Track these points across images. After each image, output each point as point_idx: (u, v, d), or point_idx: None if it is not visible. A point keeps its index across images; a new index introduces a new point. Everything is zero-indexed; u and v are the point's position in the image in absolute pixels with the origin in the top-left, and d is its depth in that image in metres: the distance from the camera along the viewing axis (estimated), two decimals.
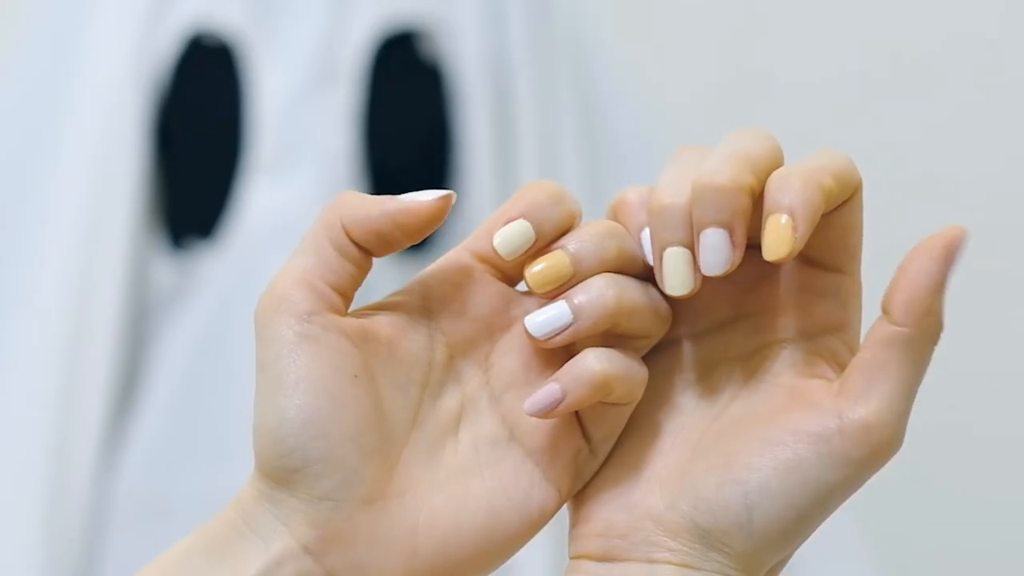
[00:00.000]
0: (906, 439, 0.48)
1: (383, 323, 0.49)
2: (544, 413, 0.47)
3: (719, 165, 0.46)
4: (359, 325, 0.48)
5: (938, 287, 0.46)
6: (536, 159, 1.13)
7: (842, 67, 1.53)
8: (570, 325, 0.48)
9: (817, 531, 1.20)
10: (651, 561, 0.47)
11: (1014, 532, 1.52)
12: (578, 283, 0.48)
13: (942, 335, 0.47)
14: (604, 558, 0.48)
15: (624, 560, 0.48)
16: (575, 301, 0.48)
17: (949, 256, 0.46)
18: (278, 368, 0.47)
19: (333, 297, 0.48)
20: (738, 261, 0.46)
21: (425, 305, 0.50)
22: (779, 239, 0.46)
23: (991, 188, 1.51)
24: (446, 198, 0.47)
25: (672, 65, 1.48)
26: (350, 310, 0.49)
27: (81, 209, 1.10)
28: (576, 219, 0.49)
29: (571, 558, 0.49)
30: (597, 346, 0.48)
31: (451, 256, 0.51)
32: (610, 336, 0.49)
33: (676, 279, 0.47)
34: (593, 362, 0.47)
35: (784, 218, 0.45)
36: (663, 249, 0.47)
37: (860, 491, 0.50)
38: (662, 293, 0.49)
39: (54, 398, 1.08)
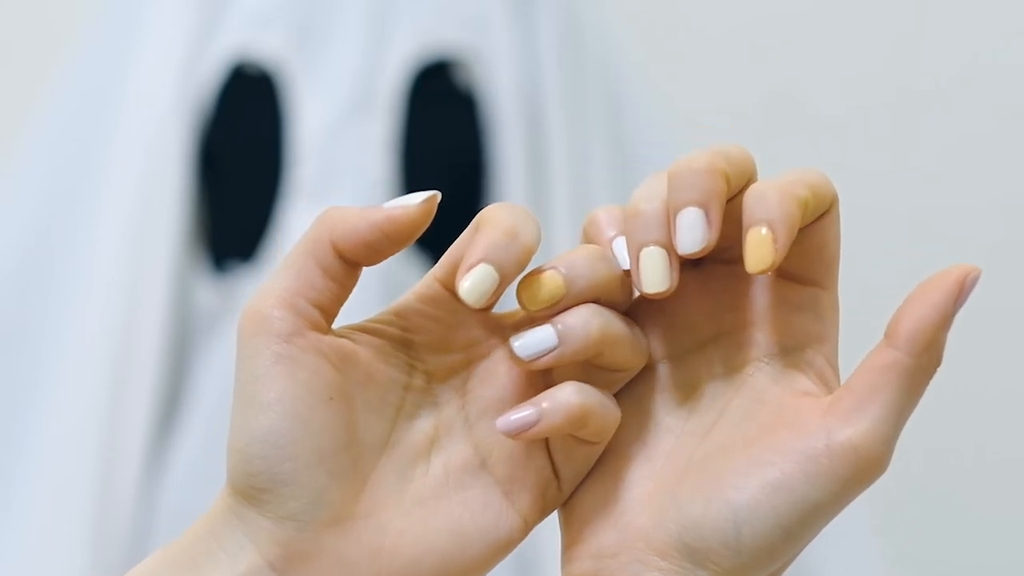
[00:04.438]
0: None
1: (363, 344, 0.49)
2: (515, 434, 0.47)
3: (695, 154, 0.46)
4: (339, 345, 0.48)
5: (945, 322, 0.45)
6: (568, 184, 1.15)
7: (858, 95, 1.53)
8: (554, 349, 0.47)
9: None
10: None
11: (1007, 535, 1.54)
12: (568, 305, 0.48)
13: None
14: None
15: None
16: (561, 326, 0.47)
17: (961, 293, 0.45)
18: (253, 389, 0.46)
19: (315, 315, 0.47)
20: (714, 241, 0.46)
21: (406, 327, 0.50)
22: (760, 252, 0.45)
23: (1003, 212, 1.52)
24: (430, 200, 0.47)
25: (697, 92, 1.48)
26: (337, 327, 0.49)
27: (127, 231, 1.11)
28: (534, 248, 0.48)
29: None
30: (576, 376, 0.48)
31: (429, 281, 0.50)
32: (589, 367, 0.49)
33: (654, 277, 0.47)
34: (572, 393, 0.47)
35: (764, 230, 0.45)
36: (639, 249, 0.47)
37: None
38: (639, 318, 0.49)
39: (100, 415, 1.10)
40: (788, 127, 1.51)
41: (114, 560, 1.09)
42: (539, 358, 0.47)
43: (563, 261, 0.48)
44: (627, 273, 0.48)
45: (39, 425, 1.12)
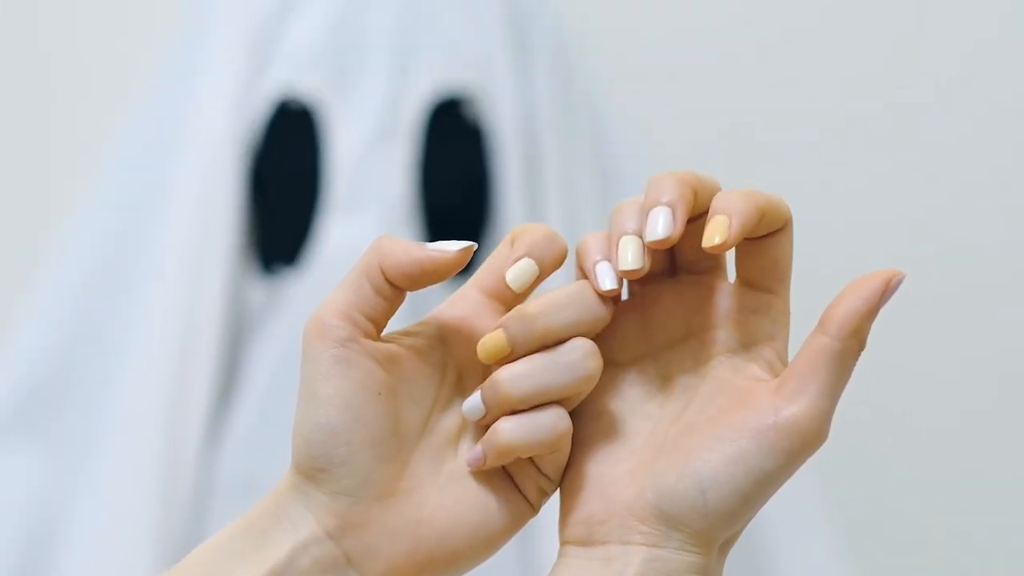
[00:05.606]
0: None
1: (406, 348, 0.51)
2: (475, 469, 0.51)
3: (669, 171, 0.50)
4: (387, 350, 0.50)
5: (871, 313, 0.47)
6: (560, 203, 1.20)
7: (808, 127, 1.54)
8: (485, 415, 0.50)
9: (787, 513, 1.15)
10: (626, 543, 0.49)
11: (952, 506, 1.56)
12: (516, 357, 0.49)
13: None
14: (587, 543, 0.50)
15: (604, 543, 0.50)
16: (485, 395, 0.50)
17: (886, 291, 0.47)
18: (314, 385, 0.49)
19: (367, 326, 0.50)
20: (678, 235, 0.48)
21: (440, 334, 0.52)
22: (716, 230, 0.47)
23: (949, 229, 1.55)
24: (466, 250, 0.49)
25: (670, 125, 1.51)
26: (382, 335, 0.51)
27: (190, 240, 1.16)
28: (566, 253, 0.51)
29: (561, 544, 0.51)
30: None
31: (463, 291, 0.53)
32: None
33: (627, 258, 0.49)
34: (502, 434, 0.49)
35: (723, 217, 0.48)
36: (619, 237, 0.49)
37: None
38: (621, 322, 0.52)
39: (167, 396, 1.14)
40: (742, 154, 1.52)
41: (179, 518, 1.13)
42: (477, 420, 0.51)
43: (509, 319, 0.50)
44: (607, 293, 0.50)
45: (116, 405, 1.16)
